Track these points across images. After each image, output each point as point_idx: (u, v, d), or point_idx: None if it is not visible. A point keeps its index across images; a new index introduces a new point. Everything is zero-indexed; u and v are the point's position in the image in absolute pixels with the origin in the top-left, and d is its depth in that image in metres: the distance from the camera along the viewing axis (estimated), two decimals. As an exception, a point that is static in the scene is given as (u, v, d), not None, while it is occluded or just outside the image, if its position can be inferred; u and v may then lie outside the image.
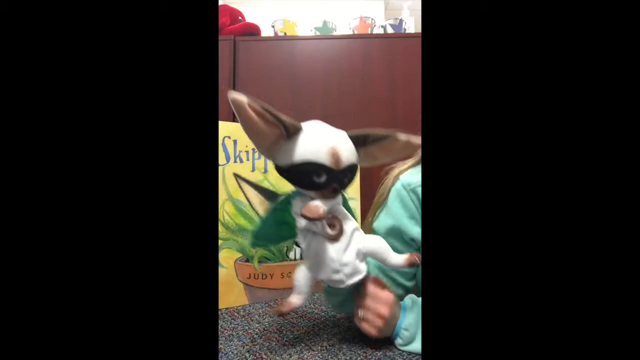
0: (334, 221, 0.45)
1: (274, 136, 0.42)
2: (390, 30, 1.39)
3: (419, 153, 0.53)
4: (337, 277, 0.45)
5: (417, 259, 0.46)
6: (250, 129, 0.40)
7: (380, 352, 0.46)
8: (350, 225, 0.47)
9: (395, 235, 0.54)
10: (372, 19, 1.43)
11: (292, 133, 0.42)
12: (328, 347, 0.48)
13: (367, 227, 0.60)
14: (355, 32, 1.40)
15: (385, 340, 0.49)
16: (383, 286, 0.48)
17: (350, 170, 0.44)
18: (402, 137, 0.46)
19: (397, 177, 0.56)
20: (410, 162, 0.56)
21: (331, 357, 0.45)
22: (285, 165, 0.43)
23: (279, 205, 0.47)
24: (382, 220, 0.55)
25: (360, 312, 0.46)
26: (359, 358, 0.45)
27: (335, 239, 0.45)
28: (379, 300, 0.46)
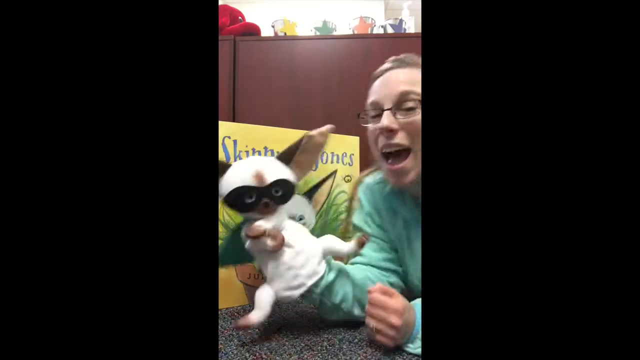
0: (273, 232, 0.48)
1: None
2: (390, 30, 1.39)
3: (374, 165, 0.67)
4: (296, 281, 0.49)
5: (364, 237, 0.53)
6: None
7: (380, 353, 0.46)
8: (301, 231, 0.52)
9: (368, 223, 0.65)
10: (372, 19, 1.43)
11: (222, 170, 0.49)
12: (328, 347, 0.48)
13: (348, 224, 0.72)
14: (355, 32, 1.40)
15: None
16: (392, 294, 0.48)
17: (280, 184, 0.49)
18: (313, 132, 0.53)
19: (359, 182, 0.71)
20: (367, 171, 0.71)
21: (331, 357, 0.45)
22: (223, 195, 0.49)
23: (237, 231, 0.52)
24: (357, 214, 0.68)
25: (372, 324, 0.46)
26: (359, 358, 0.45)
27: (275, 249, 0.48)
28: (389, 309, 0.45)
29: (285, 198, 0.50)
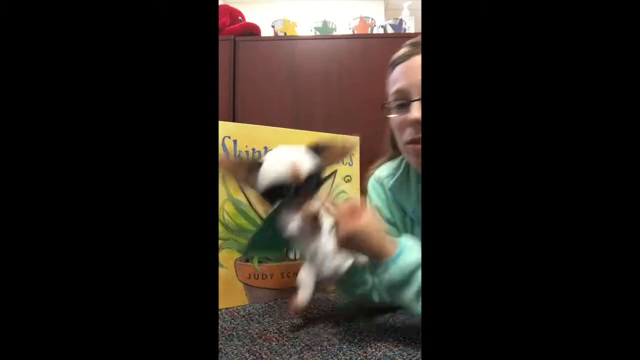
0: (315, 221, 0.52)
1: (244, 173, 0.54)
2: (390, 30, 1.39)
3: (387, 153, 0.67)
4: (336, 261, 0.53)
5: None
6: (231, 174, 0.55)
7: (380, 352, 0.46)
8: None
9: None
10: (372, 19, 1.43)
11: (255, 167, 0.52)
12: (328, 347, 0.48)
13: None
14: (355, 32, 1.40)
15: (381, 338, 0.49)
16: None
17: (314, 177, 0.52)
18: (339, 138, 0.58)
19: (369, 175, 0.69)
20: (379, 162, 0.70)
21: (331, 357, 0.45)
22: (260, 191, 0.53)
23: (272, 217, 0.56)
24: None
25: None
26: (359, 358, 0.45)
27: (317, 233, 0.52)
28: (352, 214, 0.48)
29: (319, 185, 0.54)
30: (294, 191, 0.50)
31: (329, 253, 0.52)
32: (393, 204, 0.64)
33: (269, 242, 0.58)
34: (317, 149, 0.55)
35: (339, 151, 0.59)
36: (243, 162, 0.54)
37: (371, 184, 0.68)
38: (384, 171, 0.67)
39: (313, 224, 0.52)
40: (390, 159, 0.67)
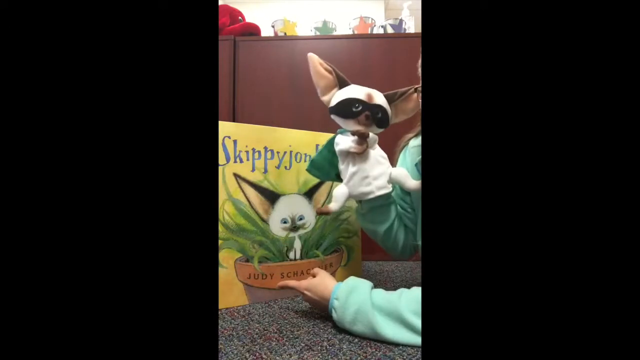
0: (363, 141, 0.59)
1: (331, 84, 0.62)
2: (390, 30, 1.39)
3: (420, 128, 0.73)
4: (367, 188, 0.60)
5: None
6: (317, 78, 0.62)
7: (380, 352, 0.46)
8: (382, 153, 0.63)
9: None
10: (372, 19, 1.43)
11: (342, 84, 0.62)
12: (328, 347, 0.48)
13: None
14: (355, 32, 1.40)
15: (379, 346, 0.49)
16: (315, 274, 0.61)
17: (382, 110, 0.61)
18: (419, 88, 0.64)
19: (407, 142, 0.76)
20: (411, 135, 0.76)
21: (331, 357, 0.45)
22: (335, 103, 0.61)
23: (331, 143, 0.64)
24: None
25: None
26: (359, 358, 0.45)
27: (359, 151, 0.59)
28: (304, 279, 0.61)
29: (381, 123, 0.62)
30: (361, 107, 0.58)
31: (366, 178, 0.60)
32: (412, 174, 0.69)
33: (325, 161, 0.64)
34: (391, 99, 0.64)
35: (409, 108, 0.66)
36: (334, 73, 0.62)
37: (402, 153, 0.76)
38: (416, 141, 0.73)
39: (361, 147, 0.58)
40: (419, 135, 0.73)
